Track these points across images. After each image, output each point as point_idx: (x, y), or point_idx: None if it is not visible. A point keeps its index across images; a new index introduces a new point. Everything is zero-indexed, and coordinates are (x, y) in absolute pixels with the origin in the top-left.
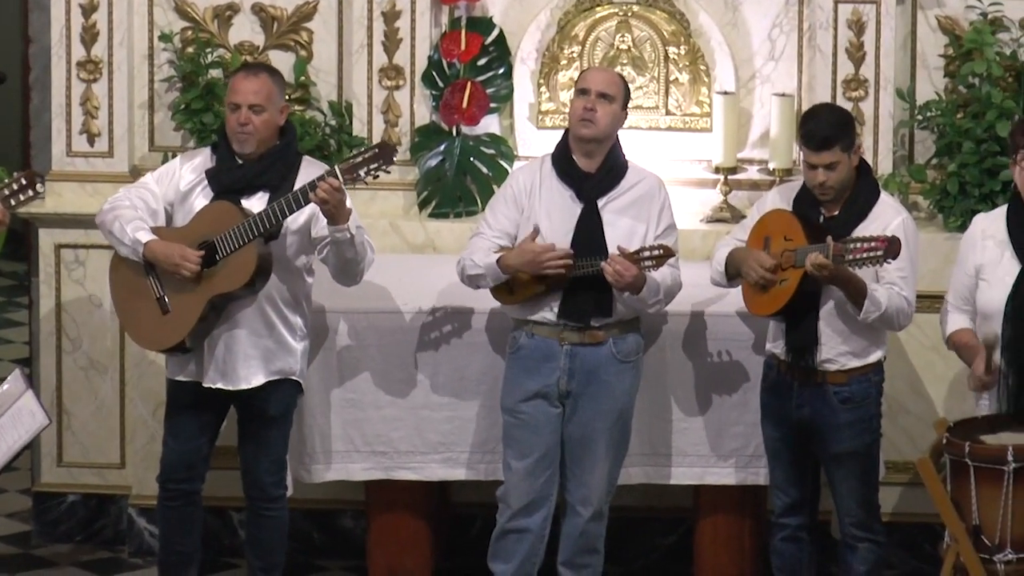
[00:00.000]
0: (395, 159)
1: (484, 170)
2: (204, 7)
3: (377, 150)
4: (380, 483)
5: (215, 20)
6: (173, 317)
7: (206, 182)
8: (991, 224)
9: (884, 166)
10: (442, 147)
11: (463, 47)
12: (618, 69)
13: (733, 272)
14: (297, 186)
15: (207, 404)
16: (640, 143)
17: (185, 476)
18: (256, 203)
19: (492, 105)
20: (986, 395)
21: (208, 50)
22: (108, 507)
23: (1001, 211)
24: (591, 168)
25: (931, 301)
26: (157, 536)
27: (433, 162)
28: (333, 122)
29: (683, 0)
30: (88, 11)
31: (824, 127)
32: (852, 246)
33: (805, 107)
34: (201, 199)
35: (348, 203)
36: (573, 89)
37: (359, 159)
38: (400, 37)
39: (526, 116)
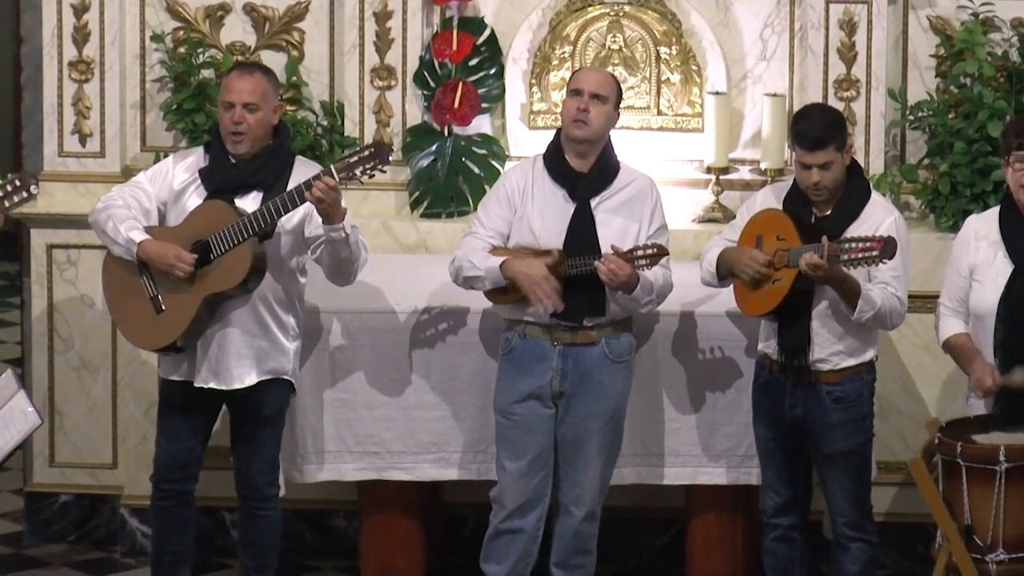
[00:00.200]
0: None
1: (476, 170)
2: (196, 7)
3: (373, 149)
4: (372, 483)
5: (207, 20)
6: (167, 316)
7: (199, 181)
8: (984, 225)
9: (876, 166)
10: (434, 147)
11: (455, 47)
12: (610, 69)
13: (724, 272)
14: (291, 186)
15: (200, 404)
16: (632, 143)
17: (178, 476)
18: (250, 202)
19: (484, 105)
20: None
21: (200, 50)
22: (100, 507)
23: (993, 212)
24: (584, 168)
25: (923, 301)
26: (150, 536)
27: (425, 162)
28: (325, 122)
29: (674, 0)
30: (80, 11)
31: (817, 127)
32: (847, 246)
33: (797, 107)
34: (194, 198)
35: (343, 202)
36: (565, 89)
37: (355, 158)
38: (392, 37)
39: (518, 116)
